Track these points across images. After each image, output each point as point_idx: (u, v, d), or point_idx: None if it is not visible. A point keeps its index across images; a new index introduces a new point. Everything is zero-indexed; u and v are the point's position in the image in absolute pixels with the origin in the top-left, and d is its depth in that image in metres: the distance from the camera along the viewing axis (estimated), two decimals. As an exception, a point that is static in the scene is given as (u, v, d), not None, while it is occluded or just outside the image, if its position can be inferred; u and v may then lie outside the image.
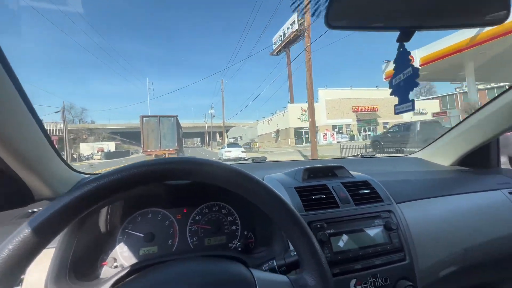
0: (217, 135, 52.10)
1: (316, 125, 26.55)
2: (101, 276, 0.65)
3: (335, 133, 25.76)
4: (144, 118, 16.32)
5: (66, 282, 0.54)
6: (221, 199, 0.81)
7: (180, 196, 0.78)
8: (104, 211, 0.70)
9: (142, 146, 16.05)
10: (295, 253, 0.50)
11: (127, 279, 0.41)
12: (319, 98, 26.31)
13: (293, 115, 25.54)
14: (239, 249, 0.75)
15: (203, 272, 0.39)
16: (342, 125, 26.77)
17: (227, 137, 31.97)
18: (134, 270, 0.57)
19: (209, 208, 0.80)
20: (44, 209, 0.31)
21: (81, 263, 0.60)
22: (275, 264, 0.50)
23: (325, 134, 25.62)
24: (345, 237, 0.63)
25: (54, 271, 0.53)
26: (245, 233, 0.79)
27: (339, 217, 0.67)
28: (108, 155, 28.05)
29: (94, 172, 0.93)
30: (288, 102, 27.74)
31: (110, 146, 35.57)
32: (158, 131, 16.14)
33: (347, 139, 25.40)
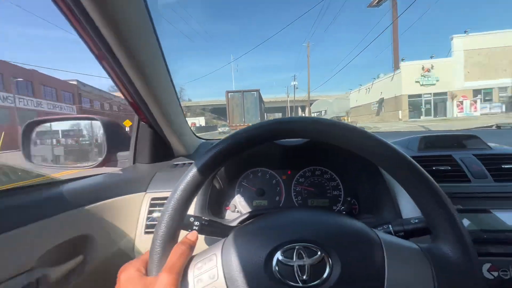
0: (299, 109, 48.99)
1: (446, 89, 18.65)
2: (226, 217, 0.80)
3: (478, 101, 17.43)
4: (229, 94, 17.01)
5: (207, 215, 0.66)
6: (323, 164, 0.82)
7: (286, 158, 0.82)
8: (225, 168, 0.81)
9: (228, 120, 17.27)
10: (416, 220, 0.44)
11: (251, 220, 0.45)
12: (452, 49, 18.04)
13: (408, 78, 18.46)
14: (343, 212, 0.73)
15: (327, 220, 0.40)
16: (492, 89, 17.79)
17: (309, 111, 29.74)
18: (251, 216, 0.65)
19: (311, 172, 0.83)
20: (202, 155, 0.41)
21: (213, 205, 0.75)
22: (391, 228, 0.44)
23: (460, 102, 17.70)
24: (477, 216, 0.59)
25: (198, 209, 0.70)
26: (348, 199, 0.79)
27: (470, 193, 0.63)
28: (199, 129, 31.08)
29: (207, 138, 1.17)
30: (392, 68, 20.40)
31: (201, 121, 39.42)
32: (242, 106, 16.69)
33: (500, 110, 16.81)
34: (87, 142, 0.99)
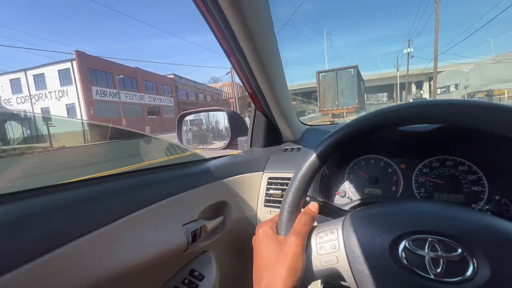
0: (413, 86, 39.72)
1: None
2: (335, 202, 0.79)
3: None
4: (320, 74, 14.79)
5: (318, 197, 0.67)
6: (458, 154, 0.69)
7: (406, 146, 0.75)
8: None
9: (318, 104, 15.66)
10: None
11: (374, 203, 0.45)
12: None
13: None
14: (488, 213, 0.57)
15: (469, 216, 0.36)
16: None
17: (434, 87, 19.52)
18: (365, 203, 0.65)
19: (440, 162, 0.71)
20: (322, 141, 0.44)
21: (323, 188, 0.79)
22: None
23: None
24: None
25: (311, 190, 0.72)
26: (497, 197, 0.64)
27: None
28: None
29: (307, 124, 1.18)
30: None
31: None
32: (335, 87, 14.44)
33: None
34: (217, 129, 1.24)
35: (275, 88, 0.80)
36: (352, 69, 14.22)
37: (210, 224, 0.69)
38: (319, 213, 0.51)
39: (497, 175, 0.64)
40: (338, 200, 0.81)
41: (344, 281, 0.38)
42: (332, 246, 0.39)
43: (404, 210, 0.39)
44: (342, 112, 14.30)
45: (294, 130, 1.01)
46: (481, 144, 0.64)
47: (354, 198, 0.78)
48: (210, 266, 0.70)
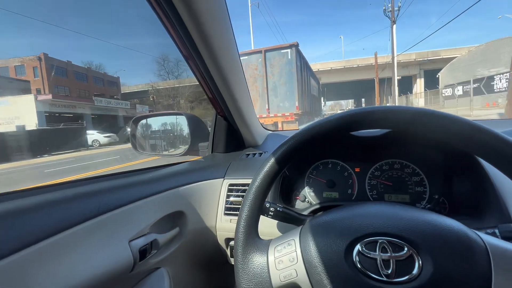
0: (395, 89, 16.84)
1: None
2: (296, 207, 0.82)
3: None
4: (240, 58, 7.68)
5: (279, 203, 0.70)
6: (404, 157, 0.76)
7: (360, 150, 0.79)
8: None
9: None
10: None
11: (325, 211, 0.46)
12: None
13: None
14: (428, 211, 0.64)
15: (414, 215, 0.37)
16: None
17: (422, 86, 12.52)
18: (323, 207, 0.70)
19: (389, 165, 0.77)
20: (278, 148, 0.45)
21: (284, 194, 0.80)
22: (498, 234, 0.40)
23: None
24: None
25: (272, 196, 0.73)
26: (436, 196, 0.71)
27: None
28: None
29: (272, 129, 1.19)
30: None
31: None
32: (263, 80, 8.57)
33: None
34: (174, 134, 1.17)
35: (235, 93, 0.79)
36: (288, 50, 8.34)
37: (164, 238, 0.63)
38: (279, 220, 0.51)
39: (436, 176, 0.72)
40: (299, 205, 0.82)
41: None
42: (291, 259, 0.39)
43: (356, 215, 0.41)
44: (276, 121, 9.00)
45: (256, 135, 1.01)
46: (422, 148, 0.71)
47: (313, 202, 0.80)
48: (162, 284, 0.63)
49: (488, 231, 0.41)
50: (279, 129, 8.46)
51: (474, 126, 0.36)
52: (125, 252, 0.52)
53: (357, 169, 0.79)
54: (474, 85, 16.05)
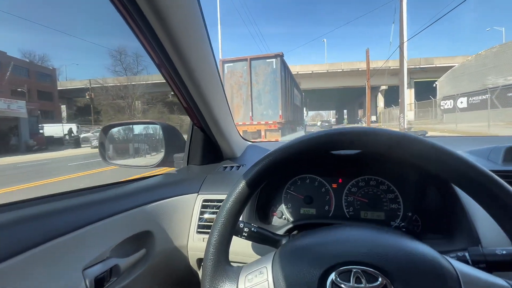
0: (380, 97, 21.45)
1: None
2: (272, 223, 0.79)
3: None
4: (225, 65, 8.98)
5: (255, 220, 0.74)
6: (379, 174, 0.75)
7: (338, 166, 0.79)
8: None
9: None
10: (503, 252, 0.38)
11: (301, 232, 0.46)
12: None
13: None
14: (403, 230, 0.69)
15: (387, 241, 0.38)
16: None
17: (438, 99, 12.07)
18: (298, 225, 0.68)
19: (365, 182, 0.77)
20: (251, 167, 0.44)
21: (260, 211, 0.78)
22: (468, 257, 0.40)
23: None
24: None
25: (247, 214, 0.71)
26: (409, 214, 0.71)
27: None
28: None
29: (253, 140, 1.17)
30: None
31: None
32: (248, 88, 8.80)
33: None
34: (149, 144, 1.11)
35: (212, 103, 0.76)
36: (273, 60, 8.71)
37: (126, 262, 0.56)
38: (254, 241, 0.49)
39: (410, 194, 0.72)
40: (275, 221, 0.79)
41: None
42: None
43: (331, 240, 0.40)
44: (259, 128, 9.17)
45: (235, 146, 0.97)
46: (398, 165, 0.72)
47: (290, 219, 0.78)
48: None
49: (459, 254, 0.41)
50: (262, 137, 9.04)
51: (451, 154, 0.36)
52: (78, 283, 0.46)
53: (334, 185, 0.79)
54: (484, 97, 12.75)
